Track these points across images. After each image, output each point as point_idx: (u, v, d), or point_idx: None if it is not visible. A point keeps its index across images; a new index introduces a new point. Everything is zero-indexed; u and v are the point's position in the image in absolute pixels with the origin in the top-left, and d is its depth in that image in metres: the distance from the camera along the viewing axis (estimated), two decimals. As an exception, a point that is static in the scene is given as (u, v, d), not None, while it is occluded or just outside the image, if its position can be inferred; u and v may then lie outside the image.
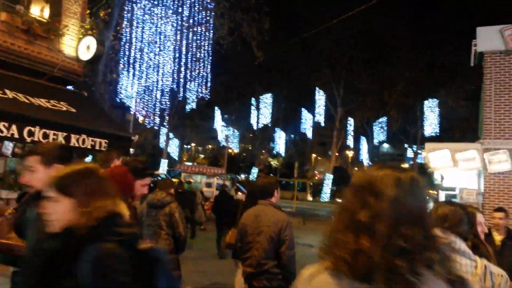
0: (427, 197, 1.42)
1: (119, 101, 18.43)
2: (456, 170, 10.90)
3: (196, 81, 19.44)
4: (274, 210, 3.60)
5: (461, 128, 28.57)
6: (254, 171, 38.93)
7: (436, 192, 16.63)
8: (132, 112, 19.45)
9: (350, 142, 36.54)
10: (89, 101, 10.37)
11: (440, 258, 1.16)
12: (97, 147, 7.35)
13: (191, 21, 17.86)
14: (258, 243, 3.46)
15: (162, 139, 31.51)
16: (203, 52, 18.85)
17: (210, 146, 46.57)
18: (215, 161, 42.54)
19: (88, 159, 9.10)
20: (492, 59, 10.82)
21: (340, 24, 20.07)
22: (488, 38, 10.86)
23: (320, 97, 33.25)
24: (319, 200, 35.21)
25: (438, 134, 30.55)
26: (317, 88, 32.70)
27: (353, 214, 1.19)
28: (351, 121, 34.92)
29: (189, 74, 18.92)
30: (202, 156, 49.98)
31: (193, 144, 46.98)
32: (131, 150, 9.41)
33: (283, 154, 40.52)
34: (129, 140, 8.71)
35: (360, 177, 1.30)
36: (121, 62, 16.57)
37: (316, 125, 35.02)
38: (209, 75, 19.53)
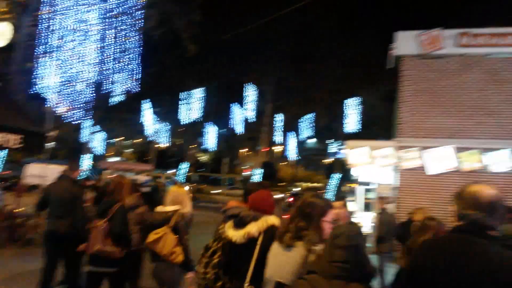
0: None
1: (36, 92, 17.16)
2: (373, 166, 11.67)
3: (124, 73, 18.72)
4: None
5: (379, 125, 30.56)
6: (184, 166, 38.42)
7: (354, 186, 17.68)
8: (51, 105, 18.21)
9: (279, 137, 37.50)
10: (0, 93, 9.57)
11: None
12: (10, 144, 6.72)
13: (118, 9, 17.14)
14: None
15: (87, 133, 29.92)
16: (131, 42, 18.19)
17: (138, 140, 45.10)
18: (143, 156, 41.31)
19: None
20: (408, 62, 11.68)
21: (272, 20, 20.45)
22: (404, 43, 11.68)
23: (251, 92, 33.67)
24: (248, 195, 35.67)
25: (359, 130, 32.51)
26: (248, 83, 33.08)
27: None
28: (280, 116, 35.81)
29: (116, 65, 18.17)
30: (129, 150, 48.26)
31: (119, 139, 45.17)
32: (49, 144, 8.87)
33: (213, 149, 40.46)
34: (43, 136, 8.16)
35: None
36: (40, 50, 15.43)
37: (246, 120, 35.41)
38: (138, 66, 18.91)
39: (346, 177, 31.95)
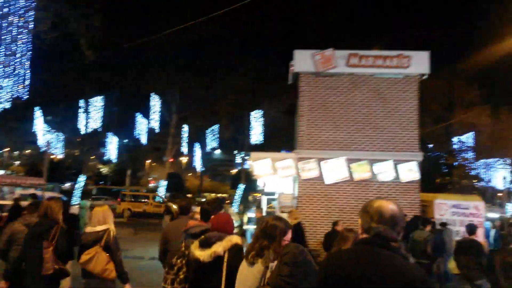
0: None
1: None
2: (276, 177, 12.13)
3: (11, 78, 17.03)
4: None
5: (281, 138, 31.89)
6: (81, 179, 35.95)
7: (259, 196, 18.16)
8: None
9: (184, 148, 37.06)
10: None
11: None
12: None
13: (5, 9, 15.60)
14: None
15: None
16: (20, 46, 16.64)
17: (27, 151, 41.15)
18: (34, 168, 37.75)
19: None
20: (306, 79, 12.40)
21: (179, 31, 20.22)
22: (302, 60, 12.40)
23: (155, 103, 32.85)
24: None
25: (262, 142, 33.58)
26: (152, 94, 32.24)
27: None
28: (186, 127, 35.46)
29: (1, 69, 16.46)
30: (17, 163, 43.79)
31: (6, 149, 40.77)
32: None
33: (114, 160, 38.52)
34: None
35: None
36: None
37: (151, 130, 34.42)
38: (28, 72, 17.34)
39: (252, 187, 32.64)
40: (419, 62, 12.09)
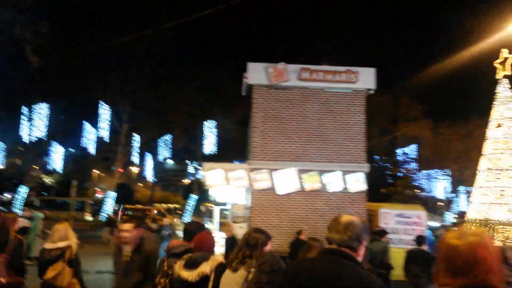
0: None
1: None
2: (228, 187, 12.19)
3: None
4: None
5: (234, 148, 32.03)
6: (22, 189, 34.05)
7: (212, 206, 18.08)
8: None
9: (135, 158, 36.13)
10: None
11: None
12: None
13: None
14: None
15: None
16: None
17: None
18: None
19: None
20: (259, 91, 12.63)
21: (132, 39, 19.90)
22: (255, 73, 12.62)
23: (104, 111, 31.85)
24: (98, 219, 33.29)
25: (215, 152, 33.53)
26: (101, 102, 31.26)
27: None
28: (137, 137, 34.62)
29: None
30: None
31: None
32: None
33: (60, 171, 36.83)
34: None
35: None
36: None
37: (99, 140, 33.27)
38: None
39: (204, 198, 32.36)
40: (366, 78, 12.69)
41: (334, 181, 12.14)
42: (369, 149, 20.50)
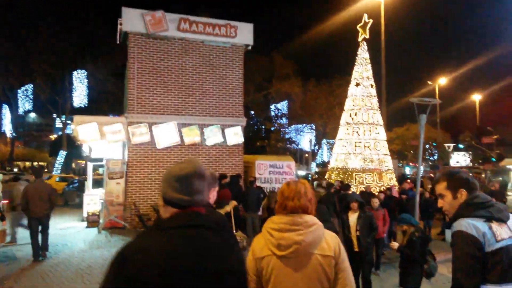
0: None
1: None
2: (103, 142, 11.62)
3: None
4: None
5: (109, 101, 30.12)
6: None
7: (84, 163, 17.06)
8: None
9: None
10: None
11: None
12: None
13: None
14: None
15: None
16: None
17: None
18: None
19: None
20: (136, 40, 11.97)
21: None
22: (131, 20, 11.86)
23: None
24: None
25: (87, 105, 31.13)
26: None
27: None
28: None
29: None
30: None
31: None
32: None
33: None
34: None
35: None
36: None
37: None
38: None
39: (75, 154, 30.24)
40: (244, 33, 12.94)
41: (213, 135, 12.45)
42: (246, 104, 21.25)
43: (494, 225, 2.08)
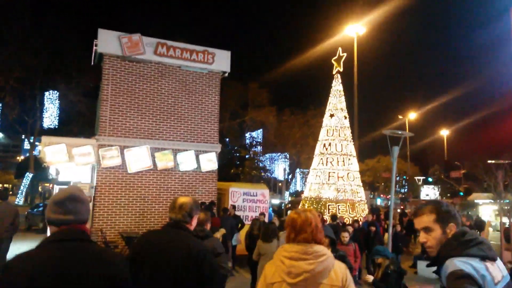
0: None
1: None
2: (72, 165, 11.21)
3: None
4: None
5: (79, 123, 29.40)
6: None
7: (51, 186, 16.42)
8: None
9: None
10: None
11: None
12: None
13: None
14: None
15: None
16: None
17: None
18: None
19: None
20: (111, 61, 11.80)
21: None
22: (108, 41, 11.72)
23: None
24: None
25: (57, 127, 30.31)
26: None
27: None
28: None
29: None
30: None
31: None
32: None
33: None
34: None
35: None
36: None
37: None
38: None
39: (42, 176, 29.18)
40: (222, 60, 12.99)
41: (187, 160, 12.23)
42: (221, 131, 21.17)
43: (489, 264, 1.83)
